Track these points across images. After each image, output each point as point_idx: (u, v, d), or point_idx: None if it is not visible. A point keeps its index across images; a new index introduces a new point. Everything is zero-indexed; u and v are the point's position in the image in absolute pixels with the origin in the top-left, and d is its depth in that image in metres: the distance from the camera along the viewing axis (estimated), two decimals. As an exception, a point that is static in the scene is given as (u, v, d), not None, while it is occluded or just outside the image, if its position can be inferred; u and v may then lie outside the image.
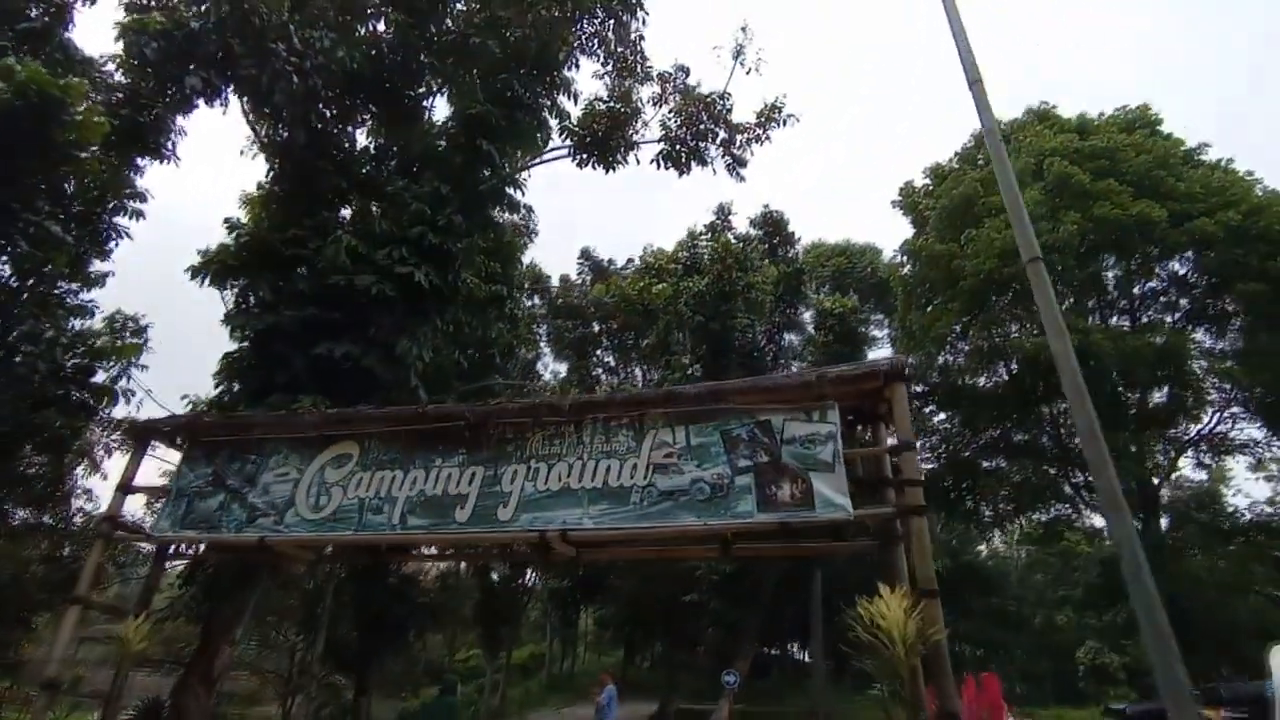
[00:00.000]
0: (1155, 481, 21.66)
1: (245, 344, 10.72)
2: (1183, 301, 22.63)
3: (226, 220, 11.14)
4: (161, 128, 12.71)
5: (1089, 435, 4.89)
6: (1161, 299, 23.36)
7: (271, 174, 12.24)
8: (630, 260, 34.84)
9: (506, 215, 12.86)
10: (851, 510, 6.15)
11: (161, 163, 13.20)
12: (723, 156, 15.21)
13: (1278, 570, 18.92)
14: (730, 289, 22.41)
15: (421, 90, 13.78)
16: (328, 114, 11.92)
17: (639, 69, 15.69)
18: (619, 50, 15.53)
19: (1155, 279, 22.96)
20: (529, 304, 28.72)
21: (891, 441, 7.16)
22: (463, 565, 33.52)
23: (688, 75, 15.82)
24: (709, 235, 27.58)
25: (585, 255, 36.13)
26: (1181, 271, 22.69)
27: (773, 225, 25.20)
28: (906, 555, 6.71)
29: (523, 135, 12.58)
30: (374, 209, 11.25)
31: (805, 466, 6.36)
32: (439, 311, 11.23)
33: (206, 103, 11.38)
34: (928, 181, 26.39)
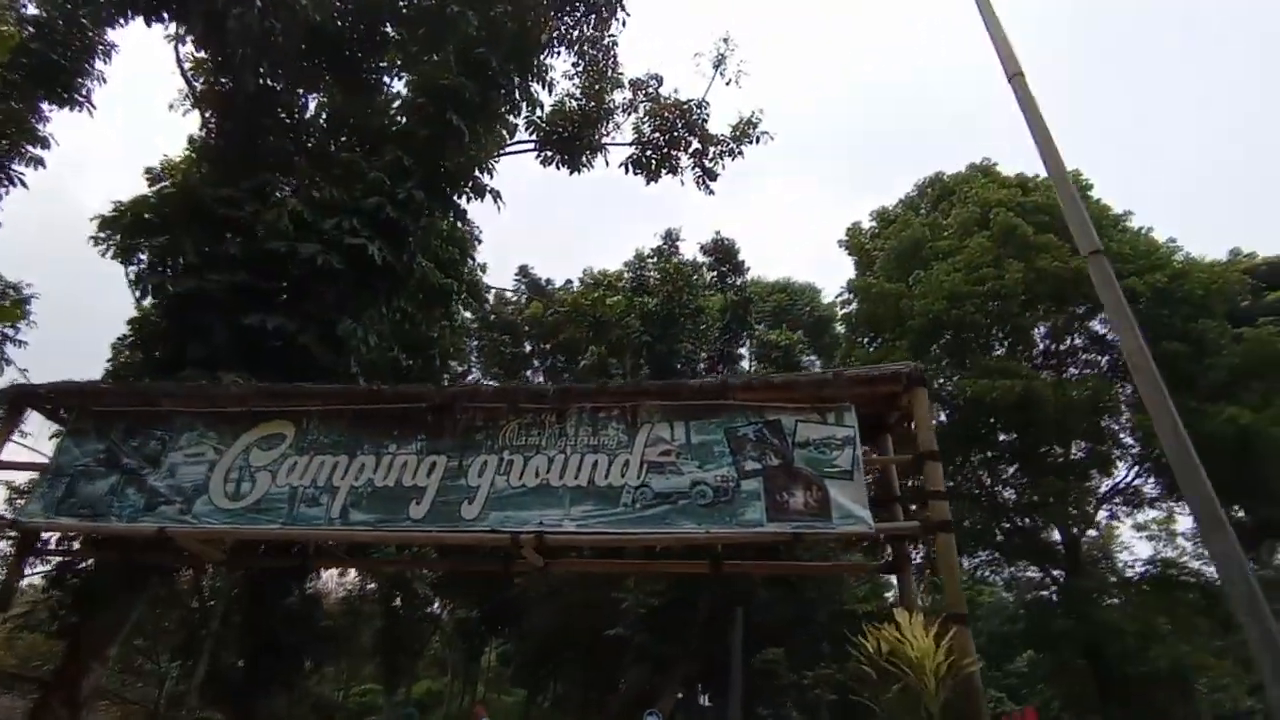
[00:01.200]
0: (1075, 531, 22.24)
1: (158, 309, 9.27)
2: (1102, 360, 23.66)
3: (148, 171, 9.76)
4: (78, 69, 11.23)
5: (1175, 444, 4.43)
6: (1083, 355, 24.33)
7: (208, 129, 10.89)
8: (569, 281, 34.10)
9: (472, 200, 11.99)
10: (873, 524, 5.50)
11: (73, 109, 11.64)
12: (693, 167, 14.81)
13: (1183, 623, 19.44)
14: (679, 311, 21.95)
15: (384, 64, 12.76)
16: (280, 71, 10.74)
17: (610, 73, 15.16)
18: (592, 53, 14.98)
19: (1080, 335, 23.83)
20: (463, 315, 27.35)
21: (894, 450, 6.62)
22: (370, 585, 31.30)
23: (660, 84, 15.42)
24: (657, 259, 27.19)
25: (523, 272, 35.06)
26: (1101, 331, 23.60)
27: (723, 253, 25.04)
28: (899, 580, 6.13)
29: (494, 116, 11.75)
30: (322, 180, 10.10)
31: (820, 473, 5.70)
32: (389, 294, 10.12)
33: (145, 20, 10.00)
34: (873, 224, 26.94)
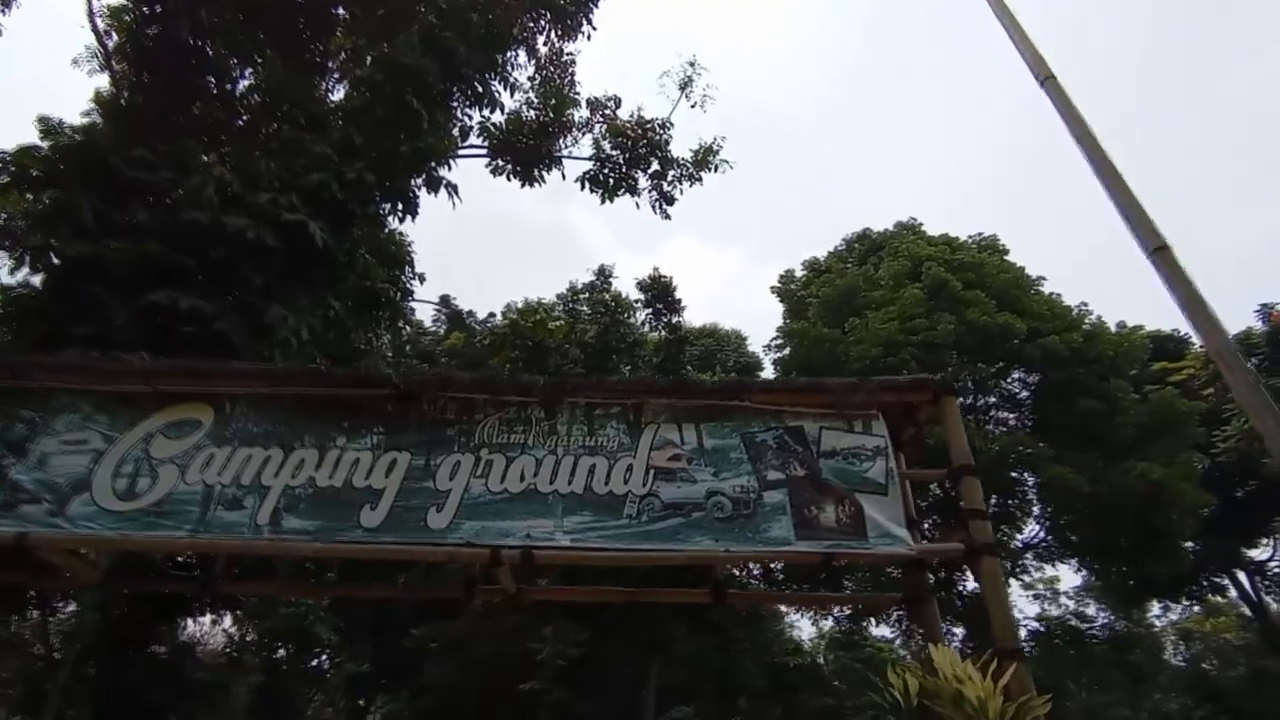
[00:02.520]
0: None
1: (41, 280, 7.66)
2: (1010, 417, 24.57)
3: (41, 120, 8.23)
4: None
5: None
6: (996, 413, 25.20)
7: (122, 86, 9.44)
8: (492, 314, 32.84)
9: (424, 193, 10.95)
10: (913, 544, 4.85)
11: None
12: (651, 189, 14.35)
13: (1097, 675, 19.87)
14: (616, 343, 21.28)
15: (331, 48, 11.71)
16: (215, 34, 9.52)
17: (569, 91, 14.64)
18: (551, 69, 14.45)
19: (994, 393, 24.56)
20: (382, 339, 25.62)
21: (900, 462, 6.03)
22: (247, 636, 28.07)
23: (619, 106, 15.02)
24: (590, 293, 26.59)
25: (444, 302, 33.62)
26: (1014, 390, 24.43)
27: (660, 290, 24.67)
28: (920, 615, 5.50)
29: (451, 110, 10.87)
30: (259, 154, 8.85)
31: (850, 486, 5.03)
32: (326, 284, 8.88)
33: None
34: (805, 273, 27.43)
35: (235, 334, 7.41)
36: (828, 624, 26.52)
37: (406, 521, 4.76)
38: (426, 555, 4.92)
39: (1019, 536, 25.46)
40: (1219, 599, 37.06)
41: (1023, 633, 24.50)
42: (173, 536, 4.72)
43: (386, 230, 11.33)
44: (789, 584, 21.74)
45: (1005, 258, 25.08)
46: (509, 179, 13.89)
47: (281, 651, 28.93)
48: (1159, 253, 4.58)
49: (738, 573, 22.54)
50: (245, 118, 10.25)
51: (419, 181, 10.52)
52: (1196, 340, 27.33)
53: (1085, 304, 22.98)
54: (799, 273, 27.63)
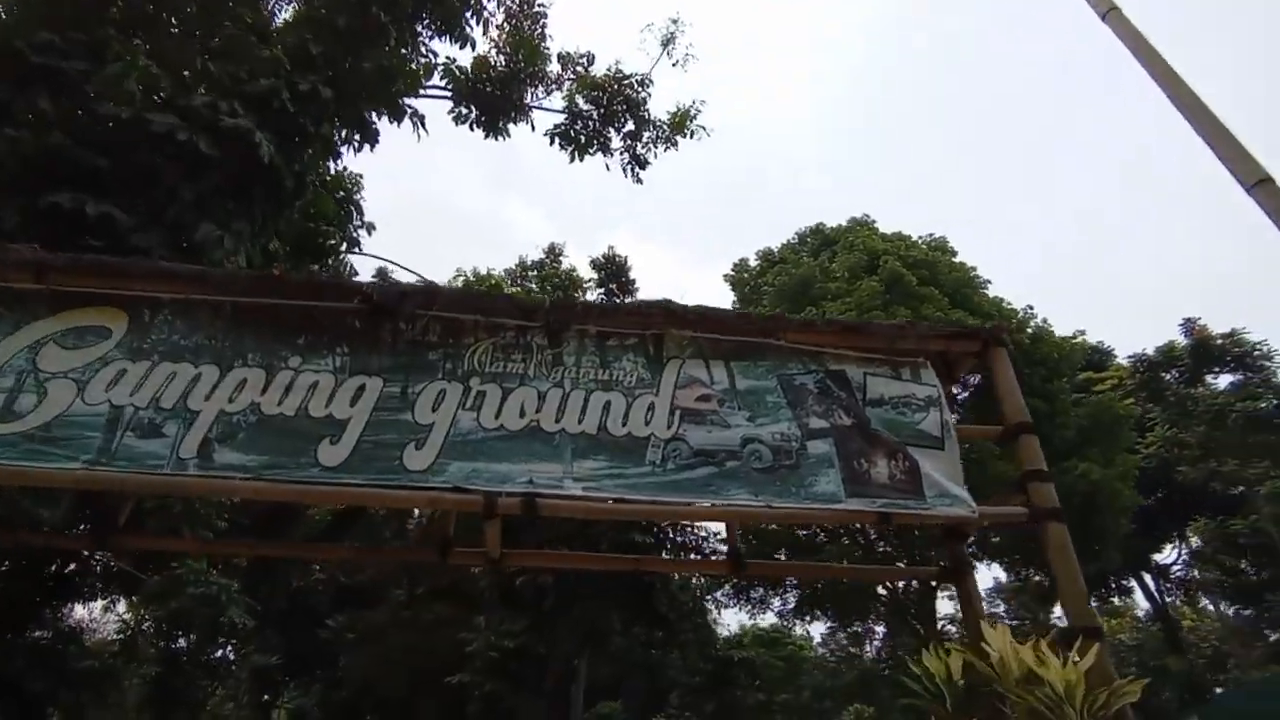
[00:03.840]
0: (933, 584, 22.77)
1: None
2: (954, 417, 24.93)
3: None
4: None
5: None
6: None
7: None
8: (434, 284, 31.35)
9: (384, 121, 9.76)
10: (975, 505, 4.22)
11: None
12: (624, 151, 13.51)
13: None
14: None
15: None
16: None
17: (540, 43, 13.64)
18: (521, 21, 13.43)
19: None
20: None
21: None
22: (144, 623, 25.77)
23: (592, 64, 14.09)
24: (538, 272, 25.57)
25: (382, 275, 31.88)
26: (958, 389, 24.76)
27: (615, 269, 23.86)
28: (960, 591, 4.92)
29: (416, 36, 9.73)
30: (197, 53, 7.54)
31: (902, 439, 4.37)
32: (271, 210, 7.63)
33: None
34: (759, 263, 27.15)
35: (157, 252, 6.18)
36: (766, 619, 26.29)
37: (377, 460, 3.81)
38: (403, 501, 4.00)
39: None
40: (1122, 601, 38.76)
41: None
42: (63, 469, 3.62)
43: (339, 166, 10.11)
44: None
45: (954, 259, 25.42)
46: (472, 128, 12.79)
47: (183, 641, 26.67)
48: (1260, 186, 4.11)
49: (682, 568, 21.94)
50: (180, 26, 8.86)
51: (378, 113, 9.33)
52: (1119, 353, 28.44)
53: (1031, 307, 23.41)
54: (753, 262, 27.31)
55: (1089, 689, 3.67)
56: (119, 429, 3.73)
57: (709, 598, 21.55)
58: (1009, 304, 23.80)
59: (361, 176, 10.53)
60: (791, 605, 22.32)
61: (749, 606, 22.29)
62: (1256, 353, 25.34)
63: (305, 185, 8.19)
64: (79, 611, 19.09)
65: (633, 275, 23.59)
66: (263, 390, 3.94)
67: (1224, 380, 27.12)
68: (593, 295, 24.68)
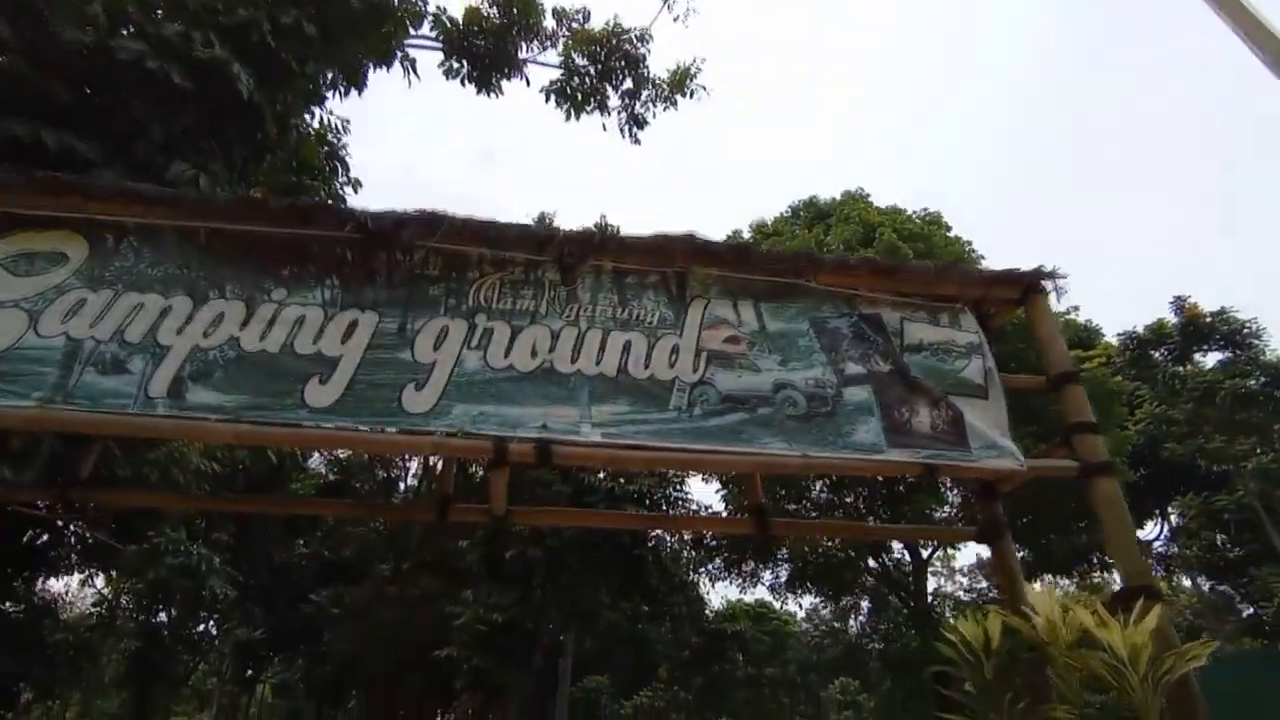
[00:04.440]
0: (923, 555, 22.71)
1: None
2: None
3: None
4: None
5: None
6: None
7: None
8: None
9: (374, 69, 9.16)
10: (1022, 457, 3.90)
11: None
12: (622, 110, 12.99)
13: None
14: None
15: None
16: None
17: (533, -3, 13.00)
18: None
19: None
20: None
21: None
22: (123, 599, 25.30)
23: (588, 20, 13.50)
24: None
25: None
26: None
27: (608, 243, 23.29)
28: (996, 551, 4.63)
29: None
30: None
31: (943, 388, 4.03)
32: (250, 152, 7.10)
33: None
34: (753, 235, 26.77)
35: (122, 187, 5.66)
36: (756, 593, 26.25)
37: (372, 401, 3.41)
38: (402, 447, 3.61)
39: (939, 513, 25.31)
40: (1103, 577, 39.17)
41: (964, 598, 24.99)
42: (13, 407, 3.19)
43: (325, 113, 9.52)
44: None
45: (948, 233, 25.15)
46: (464, 84, 12.20)
47: (163, 615, 26.19)
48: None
49: (669, 538, 21.74)
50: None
51: (366, 59, 8.74)
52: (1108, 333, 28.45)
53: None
54: (746, 234, 26.87)
55: (1167, 651, 3.39)
56: (77, 364, 3.29)
57: (701, 570, 21.38)
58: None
59: (348, 122, 9.92)
60: (783, 579, 22.19)
61: (739, 580, 22.17)
62: (1245, 330, 25.39)
63: (288, 130, 7.65)
64: (56, 586, 18.54)
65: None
66: (242, 324, 3.51)
67: (1213, 358, 27.31)
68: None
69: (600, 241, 4.01)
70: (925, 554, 22.97)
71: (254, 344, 3.46)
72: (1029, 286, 4.52)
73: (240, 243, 3.74)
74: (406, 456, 28.65)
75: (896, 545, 22.24)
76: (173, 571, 10.06)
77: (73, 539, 14.63)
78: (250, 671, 40.96)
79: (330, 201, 10.53)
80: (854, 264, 4.28)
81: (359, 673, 30.74)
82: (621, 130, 13.14)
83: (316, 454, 28.67)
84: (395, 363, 3.52)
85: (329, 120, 9.66)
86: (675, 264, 4.07)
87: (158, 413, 3.22)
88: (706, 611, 23.93)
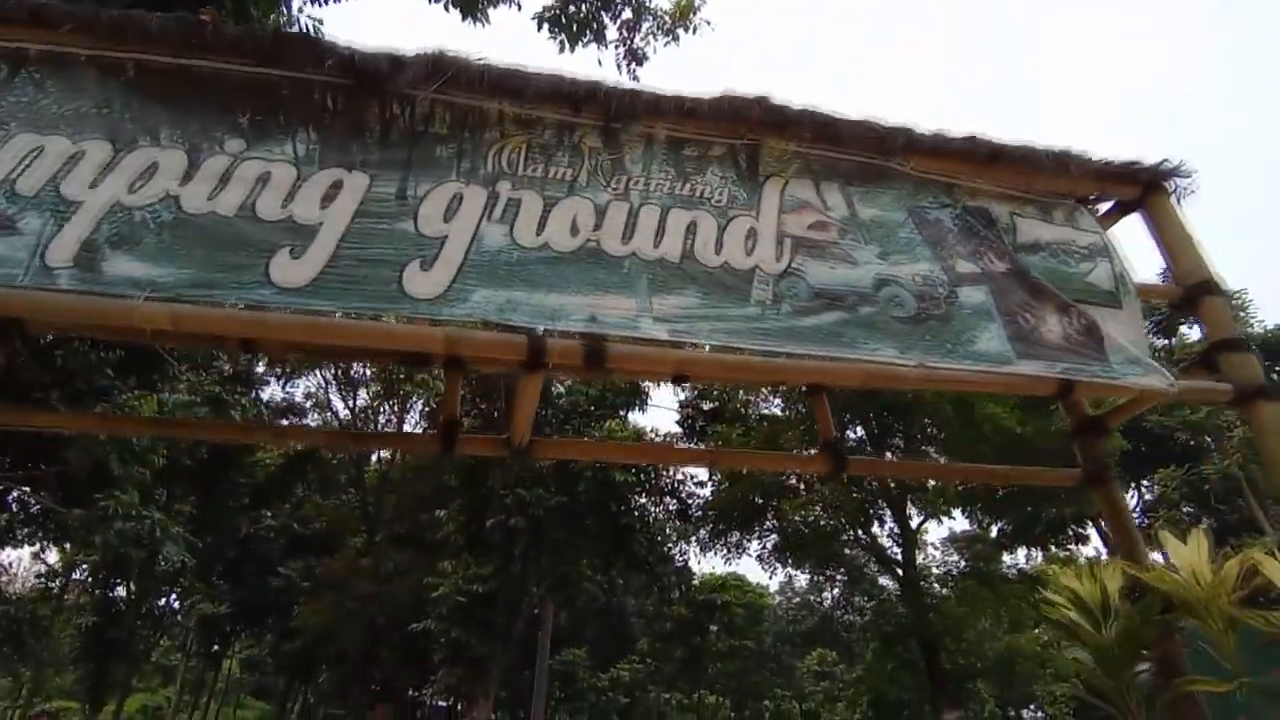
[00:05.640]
0: (912, 526, 22.35)
1: None
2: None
3: None
4: None
5: None
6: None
7: None
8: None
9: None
10: (1171, 376, 3.17)
11: None
12: (620, 43, 11.94)
13: (1014, 613, 19.91)
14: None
15: None
16: None
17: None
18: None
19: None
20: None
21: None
22: (79, 574, 24.02)
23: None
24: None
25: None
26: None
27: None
28: (1105, 498, 3.96)
29: None
30: None
31: (1069, 294, 3.28)
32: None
33: None
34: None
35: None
36: (738, 564, 25.85)
37: (363, 281, 2.53)
38: (404, 339, 2.73)
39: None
40: (1075, 549, 39.36)
41: (940, 564, 24.78)
42: None
43: (297, 11, 8.38)
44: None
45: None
46: (448, 9, 11.06)
47: (121, 589, 24.95)
48: None
49: (649, 504, 21.06)
50: None
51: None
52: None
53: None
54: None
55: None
56: (-56, 223, 2.36)
57: (690, 540, 20.79)
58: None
59: (322, 24, 8.71)
60: (768, 550, 21.71)
61: (725, 552, 21.64)
62: (1234, 302, 25.35)
63: (250, 19, 6.58)
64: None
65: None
66: (183, 179, 2.60)
67: (1197, 332, 27.20)
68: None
69: (653, 101, 3.14)
70: (915, 525, 22.64)
71: (199, 204, 2.55)
72: (1150, 184, 3.78)
73: (182, 80, 2.80)
74: (379, 414, 27.60)
75: (887, 518, 21.89)
76: (123, 538, 9.04)
77: (14, 505, 13.47)
78: (216, 647, 39.79)
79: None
80: (956, 144, 3.47)
81: (331, 647, 29.86)
82: (619, 66, 12.09)
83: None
84: (393, 235, 2.65)
85: (303, 21, 8.55)
86: (744, 134, 3.23)
87: (59, 285, 2.31)
88: (695, 581, 23.38)
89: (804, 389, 4.04)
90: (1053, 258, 3.40)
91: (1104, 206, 3.94)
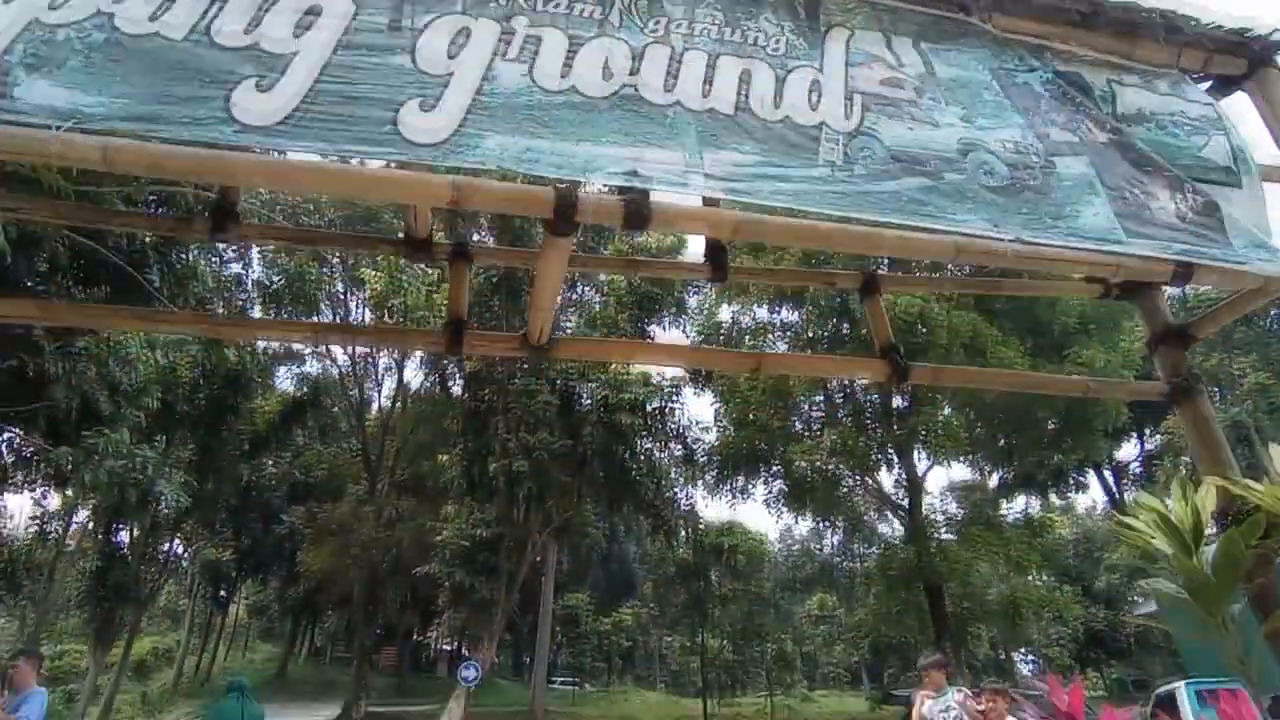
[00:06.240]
0: (920, 471, 22.13)
1: None
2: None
3: None
4: None
5: None
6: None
7: None
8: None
9: None
10: (1304, 261, 2.71)
11: None
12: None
13: (1018, 558, 19.83)
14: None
15: None
16: None
17: None
18: None
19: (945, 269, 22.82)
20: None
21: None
22: (80, 521, 23.98)
23: None
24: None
25: None
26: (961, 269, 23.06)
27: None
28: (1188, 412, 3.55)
29: None
30: None
31: (1182, 170, 2.79)
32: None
33: None
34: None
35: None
36: (743, 508, 25.85)
37: (348, 120, 2.04)
38: (402, 187, 2.26)
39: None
40: (1071, 498, 39.60)
41: (942, 511, 24.75)
42: None
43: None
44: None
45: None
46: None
47: (124, 535, 24.90)
48: None
49: (654, 448, 20.82)
50: None
51: None
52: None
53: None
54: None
55: None
56: None
57: (697, 483, 20.61)
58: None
59: None
60: (774, 495, 21.57)
61: (729, 497, 21.51)
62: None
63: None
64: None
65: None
66: (118, -5, 2.08)
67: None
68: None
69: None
70: (921, 470, 22.42)
71: (139, 25, 2.05)
72: (1259, 58, 3.25)
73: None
74: (379, 360, 27.22)
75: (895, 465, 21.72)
76: (114, 476, 8.71)
77: (4, 448, 13.16)
78: (223, 592, 40.24)
79: None
80: (1042, 1, 2.93)
81: (335, 591, 30.10)
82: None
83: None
84: (385, 70, 2.15)
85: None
86: (802, -26, 2.69)
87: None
88: (701, 525, 23.31)
89: (857, 292, 3.56)
90: (1160, 129, 2.90)
91: (1204, 85, 3.43)
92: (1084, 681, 29.23)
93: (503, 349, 3.11)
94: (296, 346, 28.85)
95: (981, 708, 5.83)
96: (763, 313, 22.18)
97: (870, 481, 20.89)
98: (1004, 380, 3.97)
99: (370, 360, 28.43)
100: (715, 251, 3.21)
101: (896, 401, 22.63)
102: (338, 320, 26.59)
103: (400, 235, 2.97)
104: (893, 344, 3.24)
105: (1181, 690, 12.61)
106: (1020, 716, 5.40)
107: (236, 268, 21.62)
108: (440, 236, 2.46)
